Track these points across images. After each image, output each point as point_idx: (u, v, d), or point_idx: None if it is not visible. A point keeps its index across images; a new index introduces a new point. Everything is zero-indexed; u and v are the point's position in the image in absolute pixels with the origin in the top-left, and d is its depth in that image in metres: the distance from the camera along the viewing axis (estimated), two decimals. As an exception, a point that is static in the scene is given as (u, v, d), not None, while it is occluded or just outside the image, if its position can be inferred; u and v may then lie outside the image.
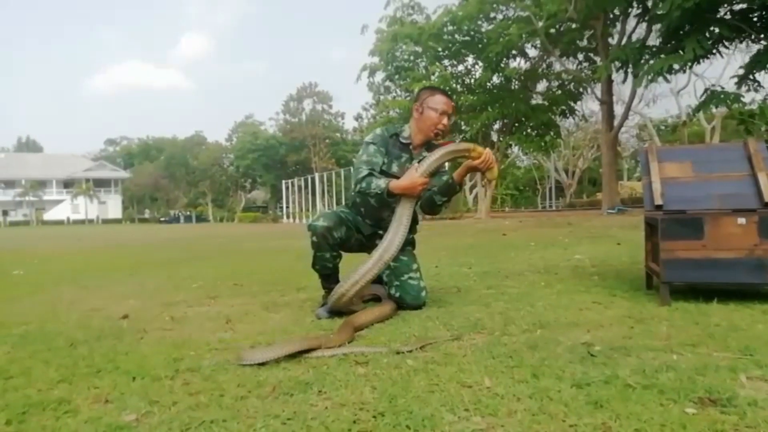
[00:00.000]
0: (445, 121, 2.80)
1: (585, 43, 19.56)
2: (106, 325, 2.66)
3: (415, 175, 2.61)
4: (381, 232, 2.89)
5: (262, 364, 1.85)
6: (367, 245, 2.95)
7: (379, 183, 2.66)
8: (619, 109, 19.57)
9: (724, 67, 27.50)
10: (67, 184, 63.10)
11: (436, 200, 2.81)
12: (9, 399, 1.63)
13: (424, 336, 2.21)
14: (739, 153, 3.17)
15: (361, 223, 2.91)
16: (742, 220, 2.55)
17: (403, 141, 2.85)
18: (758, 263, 2.54)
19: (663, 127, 43.52)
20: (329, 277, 2.86)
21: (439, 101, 2.80)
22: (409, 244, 2.96)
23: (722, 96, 11.53)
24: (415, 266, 2.88)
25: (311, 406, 1.48)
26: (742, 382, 1.52)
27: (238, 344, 2.17)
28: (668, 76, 12.58)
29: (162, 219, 58.91)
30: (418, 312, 2.69)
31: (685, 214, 2.79)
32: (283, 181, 37.79)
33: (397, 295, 2.79)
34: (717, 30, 11.48)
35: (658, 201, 3.07)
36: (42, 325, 2.72)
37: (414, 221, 2.99)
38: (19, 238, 19.17)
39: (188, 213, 58.61)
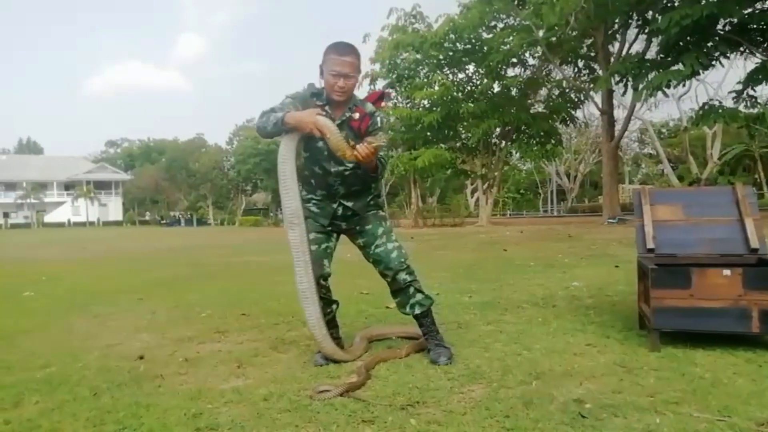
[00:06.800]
0: (341, 83, 2.60)
1: (584, 50, 19.70)
2: (125, 369, 2.80)
3: (317, 116, 2.47)
4: (339, 213, 2.82)
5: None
6: (339, 231, 2.92)
7: (278, 114, 2.52)
8: (620, 114, 19.67)
9: (726, 72, 27.63)
10: (68, 186, 63.40)
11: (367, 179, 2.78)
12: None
13: (426, 386, 2.35)
14: (728, 197, 3.33)
15: (319, 213, 2.83)
16: (727, 272, 2.69)
17: (319, 103, 2.68)
18: (743, 312, 2.68)
19: (664, 131, 43.64)
20: (329, 323, 2.85)
21: (331, 62, 2.61)
22: (376, 207, 2.90)
23: (720, 111, 11.67)
24: (380, 230, 2.83)
25: (324, 474, 1.62)
26: (717, 452, 1.66)
27: (251, 395, 2.31)
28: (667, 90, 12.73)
29: (163, 222, 59.19)
30: (420, 357, 2.83)
31: (674, 264, 2.93)
32: (285, 186, 37.93)
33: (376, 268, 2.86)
34: (715, 45, 11.63)
35: (650, 245, 3.22)
36: (63, 368, 2.86)
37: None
38: (23, 245, 19.34)
39: (189, 216, 58.83)
